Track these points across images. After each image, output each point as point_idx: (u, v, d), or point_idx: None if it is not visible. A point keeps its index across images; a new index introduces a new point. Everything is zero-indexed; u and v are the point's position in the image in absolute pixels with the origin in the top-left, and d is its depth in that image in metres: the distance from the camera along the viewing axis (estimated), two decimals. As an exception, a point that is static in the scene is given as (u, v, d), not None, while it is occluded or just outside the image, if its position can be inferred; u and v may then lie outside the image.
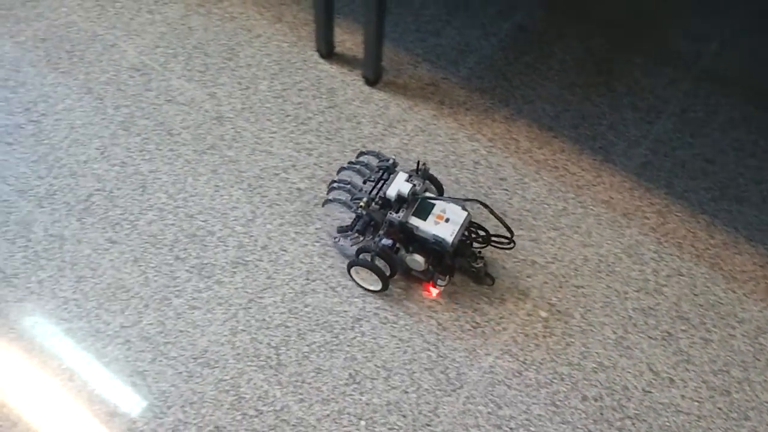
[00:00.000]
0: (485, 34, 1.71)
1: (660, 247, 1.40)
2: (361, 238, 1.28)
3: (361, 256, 1.26)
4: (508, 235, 1.21)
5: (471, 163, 1.49)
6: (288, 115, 1.54)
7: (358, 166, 1.37)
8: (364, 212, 1.26)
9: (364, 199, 1.25)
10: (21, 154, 1.45)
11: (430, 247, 1.24)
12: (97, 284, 1.30)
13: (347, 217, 1.38)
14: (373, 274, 1.25)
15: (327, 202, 1.35)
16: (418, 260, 1.24)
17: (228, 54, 1.64)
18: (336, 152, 1.49)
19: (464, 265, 1.29)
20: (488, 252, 1.35)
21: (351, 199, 1.30)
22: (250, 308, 1.28)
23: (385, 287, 1.28)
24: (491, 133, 1.54)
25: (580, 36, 1.71)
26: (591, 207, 1.44)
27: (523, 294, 1.32)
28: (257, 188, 1.43)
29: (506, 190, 1.45)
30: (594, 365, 1.25)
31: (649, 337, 1.29)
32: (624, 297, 1.33)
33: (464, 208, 1.23)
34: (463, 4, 1.77)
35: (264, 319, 1.27)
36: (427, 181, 1.33)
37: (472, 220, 1.27)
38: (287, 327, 1.27)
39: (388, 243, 1.24)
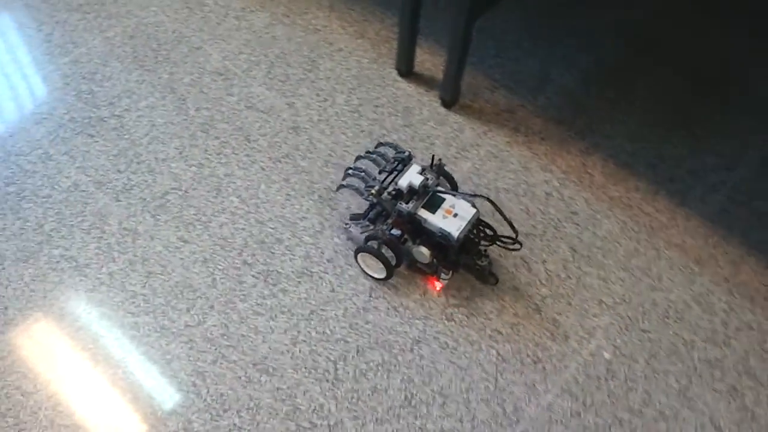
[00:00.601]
0: (566, 65, 1.69)
1: (731, 298, 1.36)
2: (372, 227, 1.30)
3: (368, 243, 1.29)
4: (514, 235, 1.24)
5: (543, 194, 1.47)
6: (363, 131, 1.55)
7: (374, 156, 1.38)
8: (375, 200, 1.28)
9: (376, 188, 1.27)
10: (102, 147, 1.49)
11: (437, 241, 1.25)
12: (166, 281, 1.32)
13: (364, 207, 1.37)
14: (379, 261, 1.27)
15: (341, 187, 1.37)
16: (423, 252, 1.26)
17: (309, 65, 1.66)
18: (408, 171, 1.49)
19: (469, 262, 1.30)
20: (547, 290, 1.34)
21: (364, 187, 1.32)
22: (311, 320, 1.29)
23: (389, 276, 1.31)
24: (565, 166, 1.52)
25: (663, 77, 1.68)
26: (663, 250, 1.41)
27: (587, 333, 1.30)
28: (327, 200, 1.44)
29: (577, 224, 1.43)
30: (655, 413, 1.22)
31: (714, 390, 1.25)
32: (691, 346, 1.30)
33: (473, 205, 1.25)
34: (546, 33, 1.76)
35: (324, 332, 1.28)
36: (442, 177, 1.34)
37: (481, 218, 1.28)
38: (347, 342, 1.27)
39: (396, 233, 1.27)
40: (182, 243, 1.37)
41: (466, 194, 1.26)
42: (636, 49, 1.73)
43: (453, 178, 1.37)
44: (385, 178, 1.31)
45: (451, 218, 1.24)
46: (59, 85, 1.58)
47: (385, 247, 1.27)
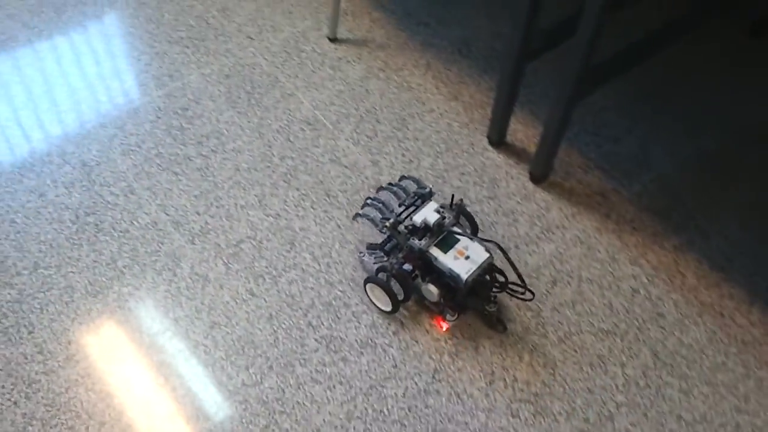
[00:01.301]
0: (667, 151, 1.60)
1: (827, 432, 1.24)
2: (385, 258, 1.31)
3: (378, 275, 1.29)
4: (522, 284, 1.25)
5: (629, 289, 1.39)
6: (445, 198, 1.51)
7: (395, 189, 1.39)
8: (388, 232, 1.28)
9: (391, 220, 1.27)
10: (185, 186, 1.50)
11: (446, 281, 1.26)
12: (229, 334, 1.30)
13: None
14: (386, 294, 1.27)
15: (357, 216, 1.38)
16: (432, 291, 1.26)
17: (398, 124, 1.63)
18: (487, 247, 1.44)
19: (478, 306, 1.29)
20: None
21: (380, 218, 1.32)
22: (370, 395, 1.24)
23: (394, 310, 1.30)
24: (656, 261, 1.43)
25: (772, 172, 1.58)
26: (754, 368, 1.30)
27: (662, 452, 1.21)
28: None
29: (663, 328, 1.34)
30: None
31: None
32: (776, 481, 1.19)
33: (487, 250, 1.25)
34: (648, 114, 1.67)
35: (382, 411, 1.23)
36: (463, 217, 1.35)
37: (494, 264, 1.27)
38: (403, 426, 1.21)
39: (407, 268, 1.28)
40: (250, 296, 1.35)
41: (480, 239, 1.26)
42: (742, 138, 1.63)
43: (474, 220, 1.37)
44: (402, 212, 1.33)
45: (463, 260, 1.24)
46: (151, 118, 1.60)
47: (394, 281, 1.27)
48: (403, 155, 1.57)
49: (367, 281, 1.32)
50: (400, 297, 1.28)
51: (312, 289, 1.37)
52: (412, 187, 1.39)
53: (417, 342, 1.30)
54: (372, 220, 1.34)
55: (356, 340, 1.30)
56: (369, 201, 1.38)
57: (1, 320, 1.29)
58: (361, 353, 1.29)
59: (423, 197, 1.34)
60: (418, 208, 1.31)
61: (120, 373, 1.25)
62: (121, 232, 1.42)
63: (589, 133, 1.63)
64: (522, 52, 1.39)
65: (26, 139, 1.54)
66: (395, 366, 1.28)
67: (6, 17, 1.75)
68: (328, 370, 1.27)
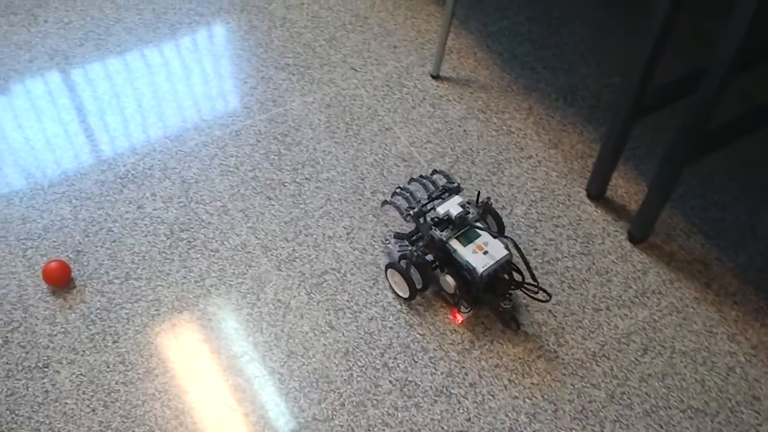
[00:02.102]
0: (778, 223, 1.51)
1: None
2: (410, 247, 1.34)
3: (400, 262, 1.33)
4: (536, 283, 1.27)
5: (724, 367, 1.31)
6: (536, 249, 1.46)
7: (425, 181, 1.44)
8: (412, 221, 1.33)
9: (415, 209, 1.33)
10: (277, 211, 1.51)
11: (463, 273, 1.29)
12: (305, 365, 1.29)
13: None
14: (404, 280, 1.32)
15: (385, 203, 1.45)
16: (449, 282, 1.30)
17: (494, 167, 1.60)
18: (575, 305, 1.38)
19: (493, 302, 1.30)
20: None
21: (406, 207, 1.37)
22: (440, 446, 1.21)
23: (411, 297, 1.35)
24: (757, 340, 1.34)
25: None
26: None
27: None
28: (484, 316, 1.36)
29: (757, 412, 1.25)
30: None
31: None
32: None
33: (506, 248, 1.28)
34: (759, 181, 1.58)
35: (451, 464, 1.19)
36: (490, 217, 1.40)
37: (512, 262, 1.30)
38: (473, 483, 1.17)
39: (429, 258, 1.32)
40: (329, 328, 1.34)
41: (500, 236, 1.30)
42: None
43: (501, 220, 1.41)
44: (427, 203, 1.38)
45: (481, 254, 1.27)
46: (252, 141, 1.62)
47: (414, 269, 1.31)
48: (496, 200, 1.54)
49: (388, 266, 1.36)
50: (419, 285, 1.33)
51: (391, 329, 1.35)
52: (442, 181, 1.44)
53: (494, 397, 1.26)
54: (398, 208, 1.39)
55: (431, 387, 1.27)
56: (398, 190, 1.43)
57: (89, 326, 1.33)
58: (435, 401, 1.26)
59: (450, 191, 1.39)
60: (444, 200, 1.35)
61: (196, 391, 1.26)
62: (212, 251, 1.44)
63: (695, 195, 1.56)
64: (633, 109, 1.34)
65: (132, 150, 1.59)
66: (469, 419, 1.24)
67: (123, 30, 1.83)
68: (399, 415, 1.24)
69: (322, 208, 1.52)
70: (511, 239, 1.29)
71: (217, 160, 1.59)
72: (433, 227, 1.31)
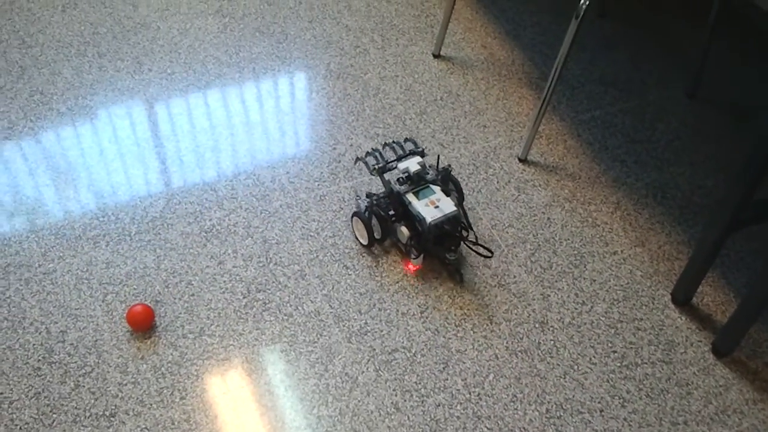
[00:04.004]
0: None
1: None
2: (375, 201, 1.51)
3: (365, 212, 1.49)
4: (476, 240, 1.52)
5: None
6: (614, 351, 1.41)
7: (395, 146, 1.60)
8: (376, 175, 1.52)
9: (380, 165, 1.52)
10: (352, 281, 1.51)
11: (416, 225, 1.46)
12: (366, 446, 1.27)
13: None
14: (364, 228, 1.49)
15: (357, 160, 1.61)
16: (403, 231, 1.48)
17: (576, 260, 1.56)
18: (651, 415, 1.32)
19: (440, 254, 1.48)
20: None
21: (373, 164, 1.53)
22: None
23: (369, 245, 1.53)
24: None
25: None
26: None
27: None
28: (555, 418, 1.32)
29: None
30: None
31: None
32: None
33: (457, 205, 1.46)
34: None
35: None
36: (451, 184, 1.56)
37: (460, 218, 1.47)
38: None
39: (391, 213, 1.49)
40: (394, 410, 1.32)
41: (451, 198, 1.48)
42: None
43: (461, 187, 1.58)
44: (392, 161, 1.54)
45: (432, 208, 1.44)
46: (335, 208, 1.64)
47: (375, 219, 1.49)
48: (577, 295, 1.50)
49: (354, 215, 1.53)
50: (377, 235, 1.51)
51: (458, 418, 1.31)
52: (411, 146, 1.61)
53: (559, 505, 1.21)
54: (366, 164, 1.56)
55: (494, 486, 1.23)
56: (371, 150, 1.59)
57: (159, 379, 1.34)
58: (498, 502, 1.21)
59: (415, 154, 1.55)
60: (406, 159, 1.52)
61: (255, 460, 1.25)
62: (285, 315, 1.44)
63: (786, 312, 1.49)
64: (731, 223, 1.29)
65: (219, 205, 1.62)
66: None
67: (222, 86, 1.89)
68: None
69: (397, 282, 1.51)
70: (457, 203, 1.48)
71: (300, 223, 1.61)
72: (394, 182, 1.49)
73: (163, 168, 1.69)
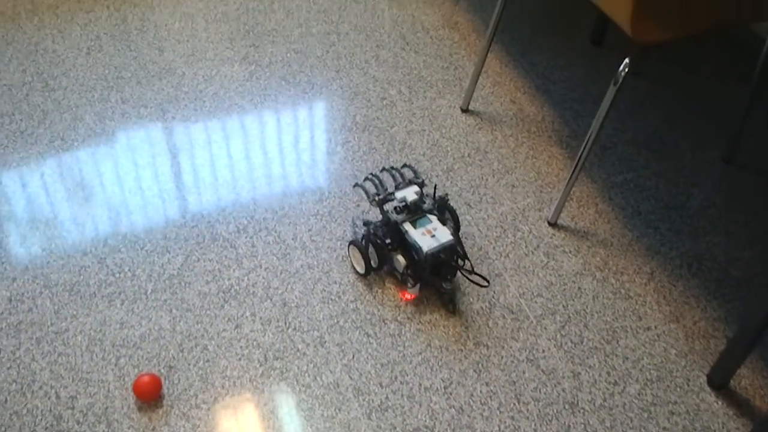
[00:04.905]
0: None
1: None
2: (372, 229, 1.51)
3: (361, 240, 1.49)
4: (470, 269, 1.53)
5: None
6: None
7: (395, 173, 1.58)
8: (376, 205, 1.50)
9: (381, 196, 1.50)
10: (374, 351, 1.45)
11: (413, 254, 1.46)
12: None
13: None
14: (361, 257, 1.49)
15: (356, 185, 1.58)
16: (399, 260, 1.48)
17: (608, 335, 1.50)
18: None
19: (436, 283, 1.48)
20: None
21: (373, 193, 1.52)
22: None
23: (366, 273, 1.52)
24: None
25: None
26: None
27: None
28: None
29: None
30: None
31: None
32: None
33: (452, 235, 1.45)
34: None
35: None
36: (448, 213, 1.57)
37: (456, 248, 1.47)
38: None
39: (387, 241, 1.48)
40: (415, 495, 1.25)
41: (447, 227, 1.48)
42: None
43: (457, 217, 1.58)
44: (393, 192, 1.51)
45: (429, 237, 1.45)
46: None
47: (372, 248, 1.48)
48: (608, 374, 1.44)
49: (350, 243, 1.52)
50: (374, 264, 1.50)
51: (482, 506, 1.24)
52: (410, 174, 1.61)
53: None
54: (366, 192, 1.53)
55: None
56: (370, 176, 1.56)
57: (171, 453, 1.28)
58: None
59: (414, 184, 1.53)
60: (404, 188, 1.51)
61: None
62: (303, 386, 1.39)
63: (831, 400, 1.41)
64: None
65: (238, 263, 1.58)
66: None
67: (245, 141, 1.85)
68: None
69: (421, 354, 1.45)
70: (454, 231, 1.49)
71: (320, 286, 1.55)
72: (391, 211, 1.49)
73: (182, 221, 1.65)
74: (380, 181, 1.56)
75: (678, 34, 1.42)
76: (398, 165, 1.73)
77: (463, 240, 1.66)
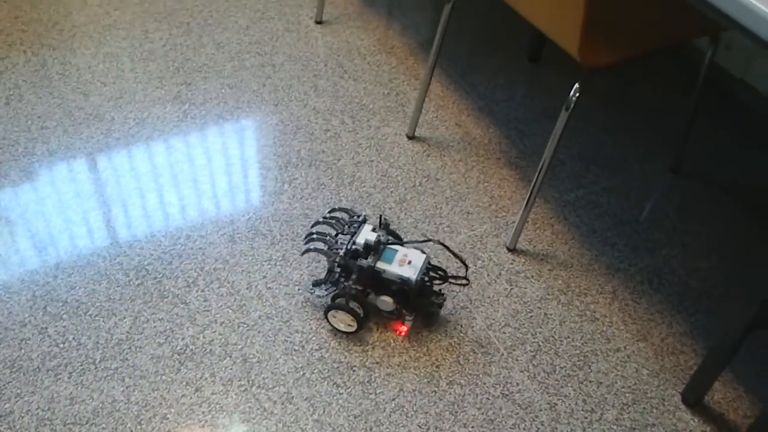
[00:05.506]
0: None
1: None
2: (335, 288, 1.47)
3: (337, 301, 1.44)
4: (464, 272, 1.59)
5: None
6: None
7: (332, 221, 1.52)
8: (342, 261, 1.44)
9: (342, 251, 1.44)
10: (345, 402, 1.39)
11: (397, 288, 1.44)
12: None
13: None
14: (348, 315, 1.43)
15: (307, 251, 1.49)
16: (387, 301, 1.44)
17: (580, 361, 1.48)
18: None
19: (426, 303, 1.49)
20: None
21: (328, 249, 1.46)
22: None
23: (359, 328, 1.46)
24: None
25: None
26: None
27: None
28: None
29: None
30: None
31: None
32: None
33: (422, 251, 1.46)
34: None
35: None
36: (388, 234, 1.51)
37: (431, 262, 1.51)
38: None
39: (359, 288, 1.44)
40: None
41: (416, 241, 1.53)
42: None
43: (398, 234, 1.56)
44: (349, 240, 1.45)
45: (407, 266, 1.42)
46: (318, 315, 1.52)
47: (353, 302, 1.43)
48: (585, 401, 1.41)
49: (328, 310, 1.45)
50: (362, 315, 1.44)
51: None
52: (345, 216, 1.54)
53: None
54: (324, 253, 1.47)
55: None
56: (313, 236, 1.50)
57: None
58: None
59: (360, 223, 1.49)
60: (356, 233, 1.46)
61: None
62: (274, 448, 1.31)
63: (801, 407, 1.42)
64: (752, 325, 1.23)
65: (191, 321, 1.49)
66: None
67: (193, 197, 1.76)
68: None
69: (394, 400, 1.40)
70: (434, 240, 1.61)
71: (282, 336, 1.48)
72: (360, 259, 1.43)
73: (126, 280, 1.55)
74: (325, 235, 1.50)
75: (624, 56, 1.42)
76: (325, 213, 1.61)
77: (424, 274, 1.61)
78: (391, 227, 1.64)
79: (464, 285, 1.57)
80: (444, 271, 1.49)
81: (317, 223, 1.54)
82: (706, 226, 1.75)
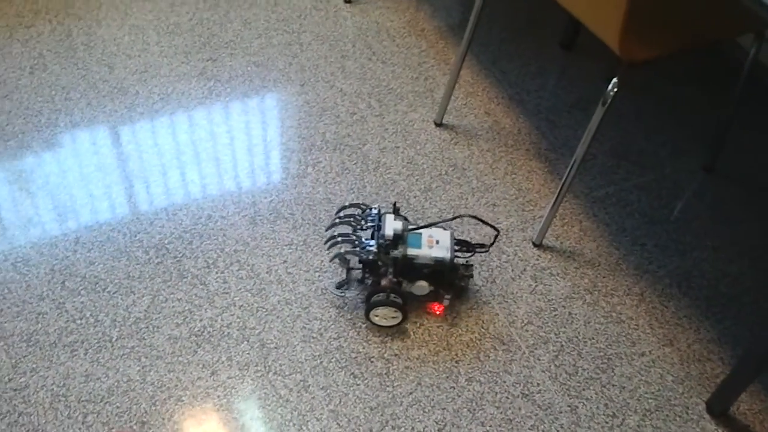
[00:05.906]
0: None
1: None
2: (363, 286, 1.47)
3: (374, 299, 1.39)
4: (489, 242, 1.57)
5: None
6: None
7: (349, 219, 1.47)
8: (378, 258, 1.39)
9: (375, 247, 1.39)
10: (362, 393, 1.37)
11: (429, 271, 1.42)
12: None
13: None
14: (392, 309, 1.40)
15: (337, 255, 1.45)
16: (423, 285, 1.42)
17: (603, 363, 1.44)
18: None
19: (458, 278, 1.46)
20: None
21: (359, 249, 1.41)
22: None
23: (404, 318, 1.43)
24: None
25: None
26: None
27: None
28: None
29: None
30: None
31: None
32: None
33: (444, 228, 1.45)
34: None
35: None
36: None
37: (454, 237, 1.45)
38: None
39: (395, 280, 1.40)
40: None
41: (446, 220, 1.51)
42: None
43: (407, 218, 1.50)
44: (376, 235, 1.42)
45: (436, 246, 1.41)
46: (338, 303, 1.50)
47: (394, 295, 1.39)
48: (606, 405, 1.38)
49: (369, 310, 1.40)
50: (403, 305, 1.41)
51: None
52: (357, 212, 1.49)
53: None
54: (356, 254, 1.42)
55: None
56: (338, 239, 1.44)
57: None
58: None
59: (375, 216, 1.45)
60: (381, 226, 1.41)
61: None
62: (288, 437, 1.29)
63: (830, 422, 1.38)
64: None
65: (210, 303, 1.47)
66: None
67: (208, 185, 1.74)
68: None
69: (411, 394, 1.37)
70: (465, 215, 1.60)
71: (300, 323, 1.46)
72: (391, 250, 1.39)
73: (146, 258, 1.53)
74: (350, 234, 1.44)
75: (665, 52, 1.36)
76: (337, 209, 1.53)
77: (447, 266, 1.58)
78: (404, 215, 1.59)
79: (485, 252, 1.58)
80: (467, 242, 1.47)
81: (333, 224, 1.49)
82: (738, 229, 1.70)
